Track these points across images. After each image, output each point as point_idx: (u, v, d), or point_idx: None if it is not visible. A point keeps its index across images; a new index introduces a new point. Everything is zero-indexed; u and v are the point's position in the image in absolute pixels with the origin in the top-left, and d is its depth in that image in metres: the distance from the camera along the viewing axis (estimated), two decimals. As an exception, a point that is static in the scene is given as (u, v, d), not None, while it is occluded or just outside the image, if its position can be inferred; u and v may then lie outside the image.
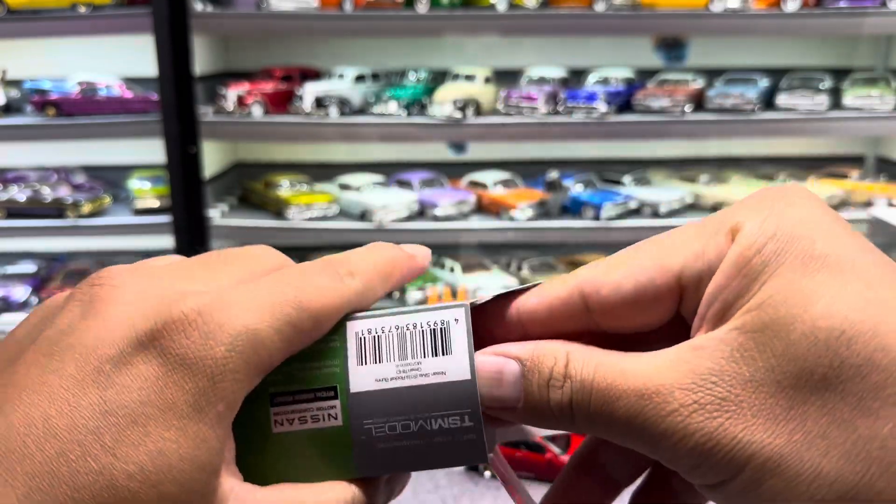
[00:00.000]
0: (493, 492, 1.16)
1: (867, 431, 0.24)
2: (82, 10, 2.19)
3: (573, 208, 2.30)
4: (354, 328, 0.32)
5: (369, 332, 0.32)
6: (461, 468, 1.16)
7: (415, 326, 0.31)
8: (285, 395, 0.31)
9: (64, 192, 2.33)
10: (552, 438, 1.18)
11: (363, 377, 0.31)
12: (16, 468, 0.25)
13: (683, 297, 0.29)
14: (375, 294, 0.32)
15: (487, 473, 1.19)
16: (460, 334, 0.31)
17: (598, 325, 0.31)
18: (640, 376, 0.27)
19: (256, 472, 0.30)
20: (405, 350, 0.31)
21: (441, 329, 0.31)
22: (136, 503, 0.25)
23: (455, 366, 0.31)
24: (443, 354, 0.31)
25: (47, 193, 2.32)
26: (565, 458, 1.15)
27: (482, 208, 2.35)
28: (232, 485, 0.28)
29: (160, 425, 0.26)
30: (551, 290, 0.31)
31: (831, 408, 0.24)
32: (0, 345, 0.29)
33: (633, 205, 2.28)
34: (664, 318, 0.30)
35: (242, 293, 0.28)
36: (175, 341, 0.27)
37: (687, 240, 0.29)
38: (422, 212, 2.31)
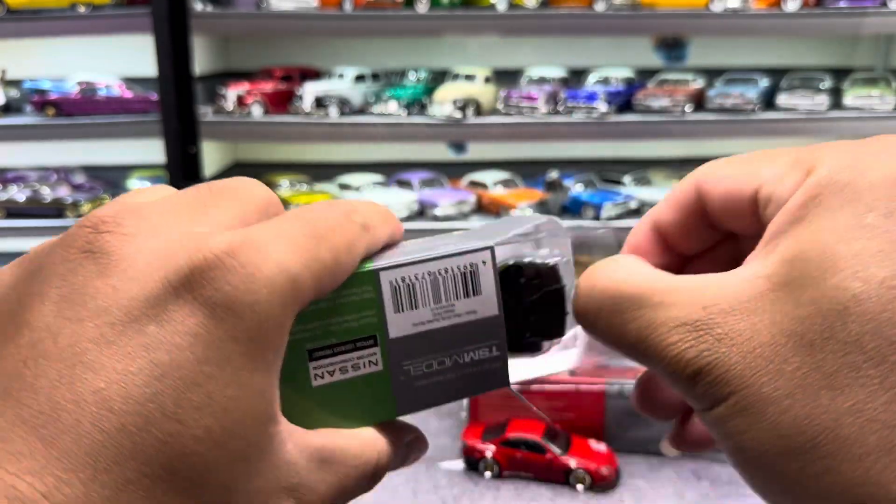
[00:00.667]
0: (492, 492, 1.16)
1: (827, 402, 0.25)
2: (82, 9, 2.19)
3: (573, 208, 2.30)
4: (388, 277, 0.33)
5: (403, 281, 0.33)
6: (461, 468, 1.16)
7: (447, 272, 0.33)
8: (324, 349, 0.31)
9: (63, 192, 2.34)
10: (552, 437, 1.18)
11: (401, 323, 0.33)
12: (73, 450, 0.23)
13: (757, 215, 0.30)
14: (379, 244, 0.33)
15: (488, 474, 1.19)
16: (488, 274, 0.34)
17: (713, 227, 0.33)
18: (666, 288, 0.29)
19: (296, 421, 0.30)
20: (439, 294, 0.33)
21: (471, 272, 0.34)
22: (206, 465, 0.24)
23: (485, 303, 0.34)
24: (473, 295, 0.34)
25: (47, 193, 2.32)
26: (566, 458, 1.15)
27: (482, 208, 2.35)
28: (288, 429, 0.27)
29: (220, 382, 0.25)
30: (677, 193, 0.34)
31: (805, 372, 0.25)
32: None
33: (633, 205, 2.28)
34: (749, 231, 0.31)
35: (268, 231, 0.27)
36: (216, 287, 0.25)
37: (774, 162, 0.30)
38: (422, 212, 2.31)
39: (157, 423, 0.24)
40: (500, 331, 0.34)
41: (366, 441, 0.31)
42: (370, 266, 0.32)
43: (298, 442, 0.28)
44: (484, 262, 0.34)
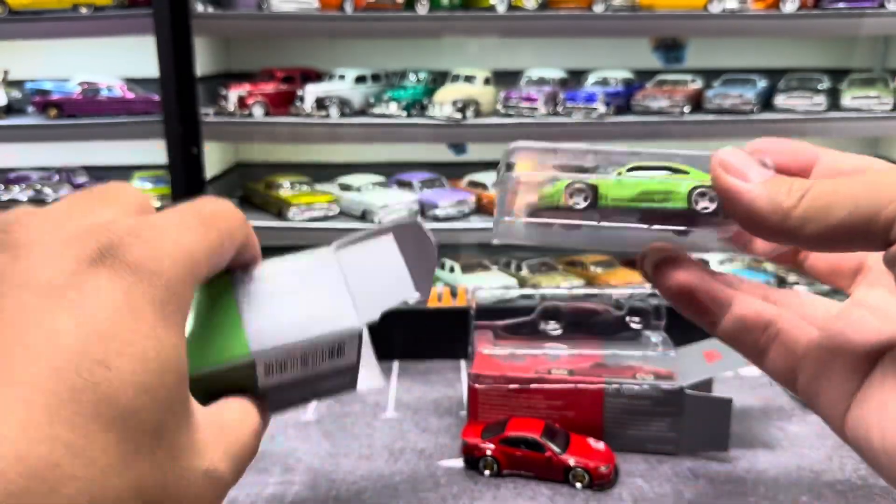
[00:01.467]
0: (492, 490, 1.17)
1: None
2: (84, 11, 2.20)
3: (572, 208, 2.31)
4: (263, 359, 0.37)
5: (276, 361, 0.38)
6: (461, 466, 1.17)
7: (317, 350, 0.38)
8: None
9: (66, 193, 2.35)
10: (551, 436, 1.19)
11: (271, 378, 0.38)
12: (27, 396, 0.25)
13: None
14: (250, 239, 0.39)
15: (487, 472, 1.20)
16: (353, 343, 0.39)
17: None
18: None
19: None
20: (307, 361, 0.39)
21: (338, 346, 0.38)
22: (136, 409, 0.26)
23: (347, 358, 0.39)
24: (338, 357, 0.39)
25: (49, 194, 2.33)
26: (565, 456, 1.16)
27: (482, 208, 2.36)
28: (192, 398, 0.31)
29: (139, 335, 0.27)
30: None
31: None
32: None
33: (632, 205, 2.29)
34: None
35: (163, 217, 0.32)
36: (125, 259, 0.28)
37: None
38: (422, 212, 2.32)
39: (88, 370, 0.26)
40: (355, 371, 0.40)
41: (246, 408, 0.36)
42: (244, 347, 0.36)
43: (201, 409, 0.32)
44: (351, 338, 0.38)
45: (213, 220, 0.33)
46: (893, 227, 0.34)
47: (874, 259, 0.43)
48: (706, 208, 0.44)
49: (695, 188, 0.45)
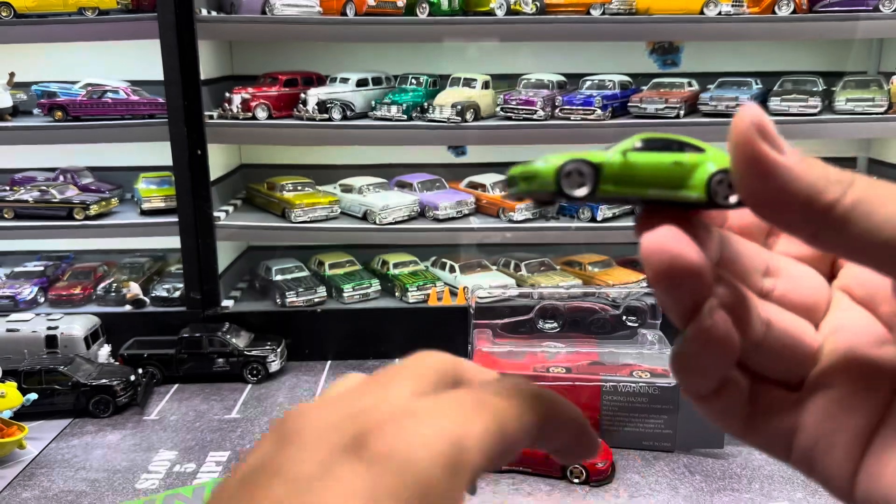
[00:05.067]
0: (491, 486, 1.20)
1: None
2: (89, 14, 2.22)
3: (570, 209, 2.34)
4: None
5: None
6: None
7: None
8: None
9: (72, 194, 2.37)
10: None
11: None
12: None
13: None
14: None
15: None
16: None
17: None
18: None
19: None
20: None
21: None
22: None
23: None
24: None
25: (55, 195, 2.35)
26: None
27: (481, 209, 2.39)
28: None
29: None
30: None
31: None
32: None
33: (628, 207, 2.32)
34: None
35: (433, 401, 0.28)
36: (378, 442, 0.26)
37: None
38: (422, 213, 2.35)
39: None
40: None
41: None
42: None
43: None
44: None
45: (493, 401, 0.29)
46: None
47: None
48: (728, 199, 0.34)
49: (716, 173, 0.34)
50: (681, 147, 0.36)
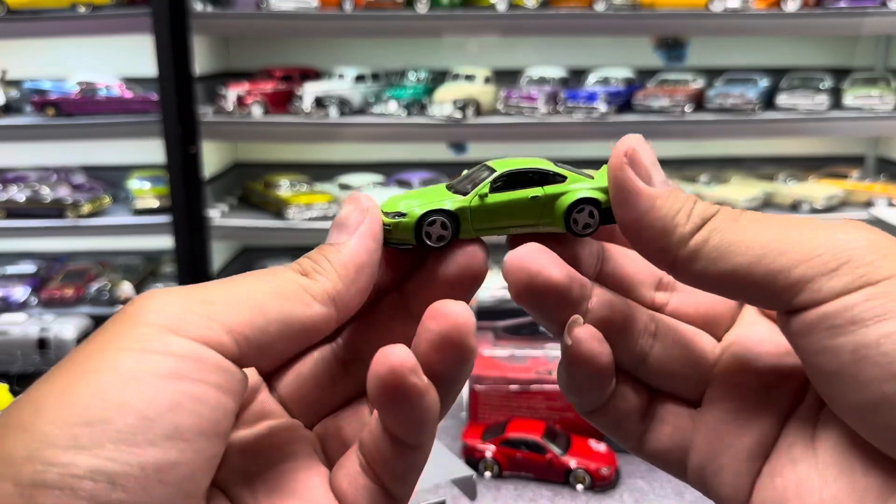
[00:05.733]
0: (492, 492, 1.16)
1: None
2: (82, 10, 2.19)
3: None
4: None
5: None
6: (462, 467, 1.15)
7: None
8: None
9: (64, 193, 2.34)
10: (552, 437, 1.18)
11: None
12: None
13: None
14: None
15: (488, 474, 1.19)
16: None
17: None
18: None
19: None
20: None
21: None
22: None
23: None
24: None
25: (47, 193, 2.32)
26: (565, 458, 1.15)
27: (482, 208, 2.35)
28: None
29: None
30: None
31: None
32: None
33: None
34: None
35: None
36: None
37: None
38: (422, 212, 2.31)
39: None
40: None
41: None
42: None
43: None
44: None
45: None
46: (801, 293, 0.29)
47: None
48: (588, 227, 0.35)
49: (574, 204, 0.35)
50: (541, 179, 0.37)
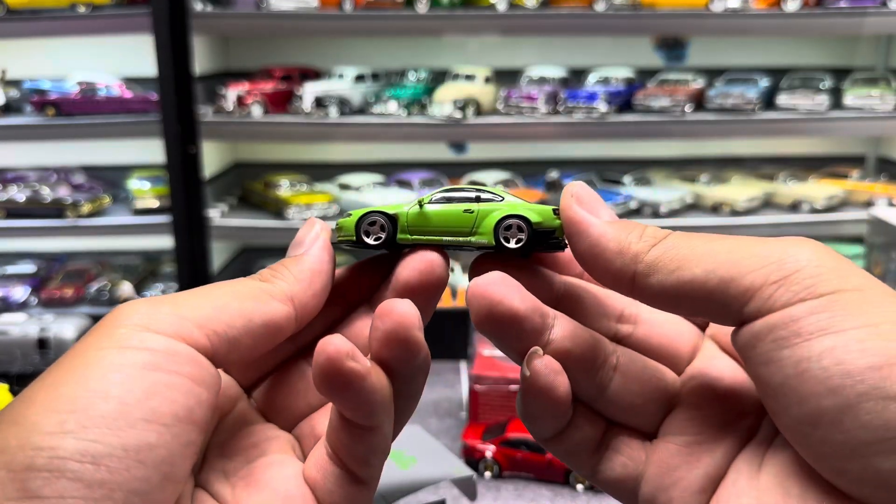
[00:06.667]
0: (492, 492, 1.16)
1: None
2: (82, 9, 2.19)
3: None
4: None
5: None
6: (462, 468, 1.15)
7: None
8: None
9: (63, 192, 2.33)
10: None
11: None
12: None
13: None
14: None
15: (488, 474, 1.19)
16: None
17: None
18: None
19: None
20: None
21: None
22: None
23: None
24: None
25: (47, 193, 2.31)
26: (565, 458, 1.14)
27: (482, 208, 2.35)
28: None
29: None
30: None
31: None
32: None
33: (633, 205, 2.28)
34: None
35: None
36: None
37: None
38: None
39: None
40: None
41: None
42: None
43: None
44: None
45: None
46: (751, 301, 0.29)
47: (714, 336, 0.38)
48: (520, 242, 0.37)
49: (503, 219, 0.38)
50: (478, 198, 0.39)
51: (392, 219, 0.39)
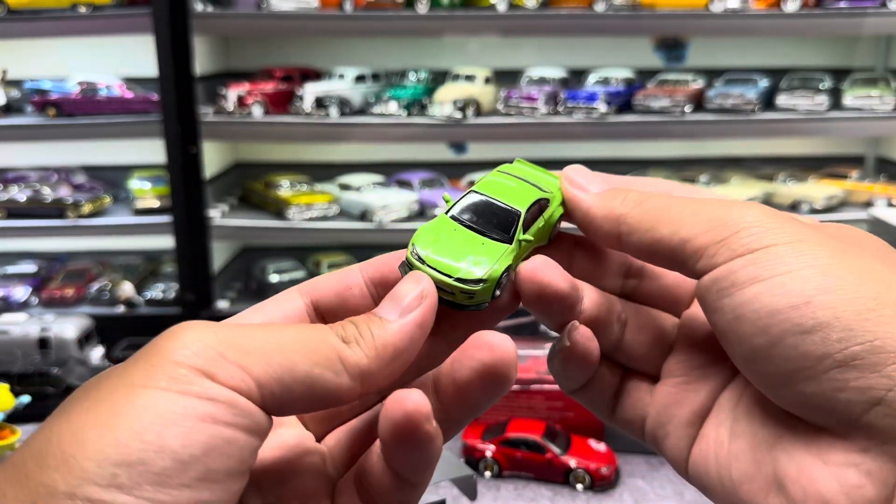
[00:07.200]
0: (492, 491, 1.16)
1: None
2: (82, 10, 2.19)
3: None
4: None
5: None
6: (462, 467, 1.15)
7: None
8: None
9: (64, 193, 2.34)
10: (552, 437, 1.18)
11: None
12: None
13: None
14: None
15: (488, 473, 1.19)
16: None
17: None
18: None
19: None
20: None
21: None
22: None
23: None
24: None
25: (48, 193, 2.32)
26: (565, 457, 1.15)
27: (482, 208, 2.35)
28: None
29: None
30: None
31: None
32: None
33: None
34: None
35: None
36: None
37: None
38: (422, 211, 2.31)
39: None
40: None
41: None
42: None
43: None
44: None
45: None
46: (700, 259, 0.34)
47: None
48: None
49: (560, 219, 0.40)
50: (540, 204, 0.39)
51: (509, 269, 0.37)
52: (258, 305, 0.38)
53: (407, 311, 0.33)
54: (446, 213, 0.38)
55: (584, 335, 0.37)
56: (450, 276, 0.35)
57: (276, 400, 0.30)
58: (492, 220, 0.37)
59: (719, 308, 0.33)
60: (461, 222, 0.37)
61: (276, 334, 0.31)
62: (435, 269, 0.35)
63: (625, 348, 0.40)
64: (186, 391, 0.28)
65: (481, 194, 0.38)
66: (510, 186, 0.39)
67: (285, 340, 0.31)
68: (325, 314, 0.37)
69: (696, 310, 0.40)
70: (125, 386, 0.28)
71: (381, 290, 0.37)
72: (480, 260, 0.36)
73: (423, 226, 0.37)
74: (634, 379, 0.40)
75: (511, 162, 0.42)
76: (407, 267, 0.36)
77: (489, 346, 0.32)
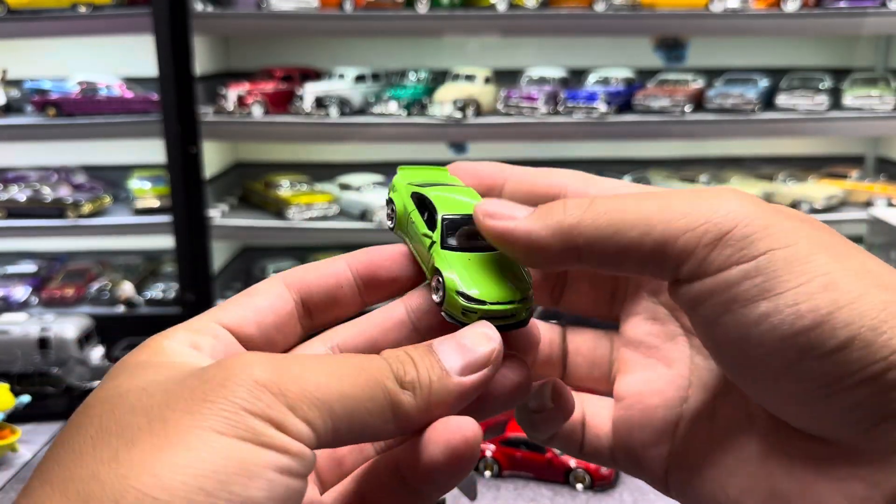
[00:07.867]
0: (492, 491, 1.16)
1: None
2: (82, 10, 2.19)
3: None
4: None
5: None
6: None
7: None
8: None
9: (64, 192, 2.34)
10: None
11: None
12: None
13: None
14: None
15: (488, 473, 1.19)
16: None
17: None
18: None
19: None
20: None
21: None
22: None
23: None
24: None
25: (48, 193, 2.32)
26: (565, 458, 1.15)
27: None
28: None
29: None
30: None
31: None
32: None
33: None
34: None
35: None
36: None
37: None
38: (422, 212, 2.31)
39: None
40: None
41: None
42: None
43: None
44: None
45: None
46: (686, 263, 0.30)
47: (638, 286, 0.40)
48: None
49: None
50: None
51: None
52: (244, 295, 0.36)
53: (472, 368, 0.32)
54: (441, 247, 0.35)
55: (559, 391, 0.36)
56: (513, 302, 0.34)
57: (324, 445, 0.29)
58: (476, 235, 0.35)
59: (720, 324, 0.30)
60: (463, 249, 0.36)
61: (342, 376, 0.30)
62: (495, 303, 0.34)
63: (571, 374, 0.39)
64: (242, 437, 0.27)
65: (453, 215, 0.36)
66: (449, 198, 0.37)
67: (345, 386, 0.29)
68: (312, 310, 0.36)
69: (631, 329, 0.39)
70: (177, 415, 0.27)
71: (369, 287, 0.37)
72: (509, 273, 0.35)
73: (444, 262, 0.35)
74: (591, 408, 0.39)
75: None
76: (461, 315, 0.34)
77: (458, 427, 0.30)
